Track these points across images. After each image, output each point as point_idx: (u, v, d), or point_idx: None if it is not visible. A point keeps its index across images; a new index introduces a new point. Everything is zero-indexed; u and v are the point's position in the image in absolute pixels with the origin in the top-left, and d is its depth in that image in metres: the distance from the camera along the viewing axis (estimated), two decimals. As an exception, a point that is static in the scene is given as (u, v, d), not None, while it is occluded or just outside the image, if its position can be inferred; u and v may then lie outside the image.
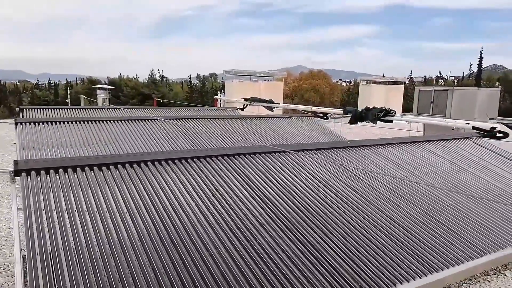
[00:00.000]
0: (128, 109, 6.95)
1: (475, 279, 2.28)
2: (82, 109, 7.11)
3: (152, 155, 2.66)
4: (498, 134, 4.67)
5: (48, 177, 2.26)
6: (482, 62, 32.11)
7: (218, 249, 1.98)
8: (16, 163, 2.27)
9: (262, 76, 11.51)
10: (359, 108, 6.56)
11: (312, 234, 2.21)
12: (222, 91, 11.51)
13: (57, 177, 2.28)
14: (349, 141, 3.49)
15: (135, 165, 2.54)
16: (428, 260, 2.13)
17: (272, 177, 2.73)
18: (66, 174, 2.32)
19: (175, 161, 2.68)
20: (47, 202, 2.07)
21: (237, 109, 9.36)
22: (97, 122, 4.48)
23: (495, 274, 2.36)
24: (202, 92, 41.14)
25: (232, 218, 2.24)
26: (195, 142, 4.29)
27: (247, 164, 2.85)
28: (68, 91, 26.88)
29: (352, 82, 54.05)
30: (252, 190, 2.55)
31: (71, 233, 1.92)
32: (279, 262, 1.95)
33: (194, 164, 2.70)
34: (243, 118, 5.97)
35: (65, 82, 50.01)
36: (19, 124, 4.74)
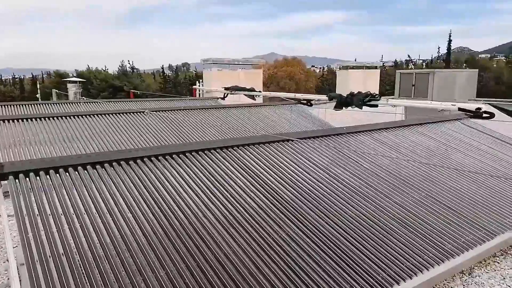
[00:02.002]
0: (106, 102, 6.65)
1: (485, 261, 2.28)
2: (56, 104, 6.75)
3: (148, 150, 2.50)
4: (484, 115, 4.75)
5: (39, 179, 2.07)
6: (452, 44, 32.97)
7: (228, 242, 1.87)
8: (1, 165, 2.06)
9: (241, 64, 11.32)
10: (337, 93, 6.55)
11: (322, 224, 2.13)
12: (201, 80, 11.26)
13: (48, 178, 2.09)
14: (345, 128, 3.43)
15: (131, 162, 2.37)
16: (442, 246, 2.11)
17: (274, 167, 2.63)
18: (58, 174, 2.13)
19: (173, 155, 2.53)
20: (41, 206, 1.90)
21: (217, 99, 9.18)
22: (78, 117, 4.23)
23: (502, 255, 2.37)
24: (176, 83, 40.35)
25: (238, 211, 2.14)
26: (186, 134, 4.13)
27: (246, 155, 2.74)
28: (38, 86, 25.75)
29: (326, 68, 54.43)
30: (255, 181, 2.45)
31: (70, 237, 1.77)
32: (293, 254, 1.88)
33: (193, 158, 2.56)
34: (229, 107, 5.83)
35: (31, 76, 47.84)
36: (-10, 122, 4.42)
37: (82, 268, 1.63)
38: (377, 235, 2.11)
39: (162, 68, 41.39)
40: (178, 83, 40.80)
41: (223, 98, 9.44)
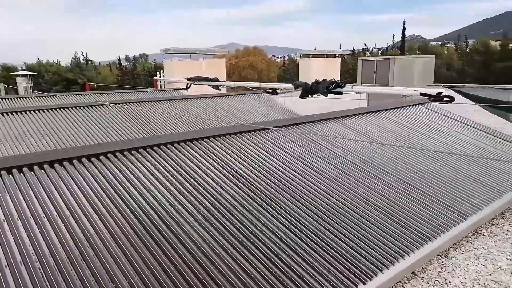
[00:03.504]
0: (61, 96, 6.24)
1: (459, 242, 2.32)
2: (5, 99, 6.24)
3: (111, 145, 2.32)
4: (445, 99, 4.91)
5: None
6: (405, 32, 34.10)
7: (204, 239, 1.77)
8: None
9: (203, 54, 11.04)
10: (303, 81, 6.55)
11: (300, 213, 2.07)
12: (162, 71, 10.88)
13: (0, 180, 1.87)
14: (315, 115, 3.39)
15: (93, 159, 2.19)
16: (419, 229, 2.11)
17: (247, 158, 2.54)
18: (11, 175, 1.92)
19: (140, 150, 2.37)
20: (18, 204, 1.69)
21: (180, 89, 8.92)
22: (31, 112, 3.90)
23: (474, 235, 2.43)
24: (134, 75, 39.02)
25: (211, 203, 2.04)
26: (151, 128, 3.93)
27: (218, 146, 2.62)
28: (-16, 81, 23.97)
29: (287, 57, 54.70)
30: (229, 172, 2.35)
31: (29, 243, 1.59)
32: (274, 247, 1.80)
33: (162, 152, 2.41)
34: (194, 98, 5.64)
35: (-26, 70, 44.37)
36: None
37: (45, 276, 1.47)
38: (356, 222, 2.08)
39: (119, 59, 39.89)
40: (137, 74, 39.46)
41: (185, 89, 9.18)
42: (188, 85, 9.24)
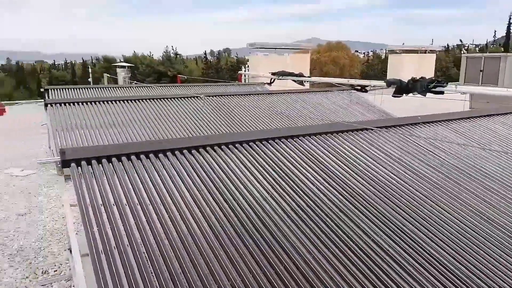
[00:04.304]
0: (158, 87, 6.63)
1: None
2: (108, 88, 6.83)
3: (211, 138, 2.35)
4: None
5: (101, 167, 1.97)
6: (511, 28, 30.42)
7: (302, 242, 1.68)
8: (63, 152, 1.98)
9: (288, 48, 10.97)
10: (397, 79, 6.10)
11: (401, 221, 1.88)
12: (247, 65, 11.07)
13: (111, 166, 1.99)
14: (419, 117, 3.10)
15: (193, 151, 2.23)
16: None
17: (344, 158, 2.39)
18: (121, 162, 2.02)
19: (236, 144, 2.36)
20: (104, 196, 1.79)
21: (264, 84, 8.95)
22: (135, 101, 4.18)
23: None
24: (218, 68, 40.56)
25: (307, 203, 1.95)
26: (240, 121, 3.96)
27: (313, 145, 2.51)
28: (90, 70, 26.84)
29: (371, 53, 52.32)
30: (325, 173, 2.23)
31: (136, 228, 1.65)
32: (372, 254, 1.65)
33: (257, 148, 2.37)
34: (280, 93, 5.59)
35: (81, 61, 49.94)
36: (49, 105, 4.48)
37: (149, 261, 1.51)
38: (465, 235, 1.83)
39: (205, 53, 41.69)
40: (220, 68, 40.99)
41: (269, 84, 9.19)
42: (272, 80, 9.26)
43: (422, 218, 1.95)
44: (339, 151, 2.47)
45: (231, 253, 1.58)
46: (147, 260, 1.51)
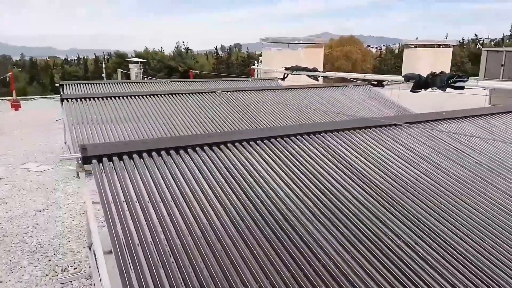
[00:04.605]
0: (172, 82, 6.60)
1: None
2: (122, 83, 6.83)
3: (231, 135, 2.30)
4: None
5: (123, 163, 1.93)
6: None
7: (328, 240, 1.63)
8: (84, 148, 1.95)
9: (301, 43, 10.85)
10: (416, 73, 5.96)
11: (431, 220, 1.82)
12: (260, 60, 10.98)
13: (132, 163, 1.95)
14: (444, 112, 3.00)
15: (214, 147, 2.18)
16: None
17: (367, 154, 2.32)
18: (142, 159, 1.99)
19: (257, 141, 2.30)
20: (127, 193, 1.75)
21: (277, 79, 8.86)
22: (148, 96, 4.15)
23: None
24: (229, 63, 40.49)
25: (330, 200, 1.91)
26: (257, 116, 3.90)
27: (334, 141, 2.44)
28: (103, 66, 27.04)
29: (384, 47, 51.68)
30: (349, 170, 2.17)
31: (158, 225, 1.62)
32: (402, 255, 1.60)
33: (279, 144, 2.32)
34: (295, 88, 5.51)
35: (94, 56, 50.36)
36: (65, 100, 4.49)
37: (173, 258, 1.48)
38: (499, 236, 1.76)
39: (216, 48, 41.64)
40: (231, 63, 40.92)
41: (283, 79, 9.11)
42: (286, 75, 9.16)
43: (448, 215, 1.88)
44: (362, 147, 2.40)
45: (256, 251, 1.54)
46: (170, 257, 1.48)
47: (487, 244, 1.73)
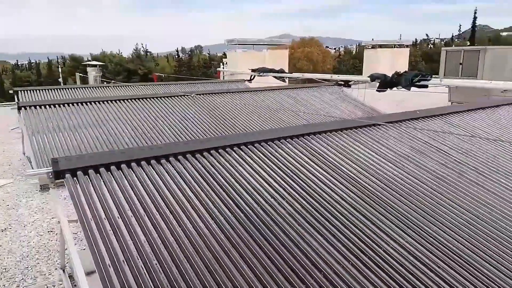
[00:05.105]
0: (138, 86, 6.35)
1: None
2: (81, 88, 6.48)
3: (213, 141, 2.19)
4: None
5: (100, 177, 1.78)
6: (476, 22, 31.55)
7: (322, 244, 1.60)
8: (55, 161, 1.77)
9: (266, 44, 10.85)
10: (381, 73, 6.12)
11: (423, 221, 1.82)
12: (225, 62, 10.86)
13: (110, 175, 1.80)
14: (418, 111, 3.06)
15: (197, 155, 2.07)
16: None
17: (351, 156, 2.30)
18: (120, 171, 1.84)
19: (241, 146, 2.22)
20: (107, 209, 1.61)
21: (244, 81, 8.80)
22: (116, 102, 3.94)
23: None
24: (191, 66, 39.95)
25: (319, 202, 1.88)
26: (231, 120, 3.80)
27: (318, 143, 2.40)
28: (60, 70, 25.73)
29: (342, 48, 53.08)
30: (335, 172, 2.13)
31: (144, 238, 1.51)
32: (388, 248, 1.62)
33: (262, 149, 2.24)
34: (265, 90, 5.47)
35: (47, 61, 47.93)
36: (23, 108, 4.18)
37: (162, 271, 1.38)
38: (491, 236, 1.78)
39: (177, 51, 40.97)
40: (193, 66, 40.36)
41: (250, 80, 9.06)
42: (253, 77, 9.12)
43: (432, 211, 1.90)
44: (345, 148, 2.38)
45: (247, 257, 1.48)
46: (161, 274, 1.38)
47: (473, 238, 1.75)
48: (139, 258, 1.43)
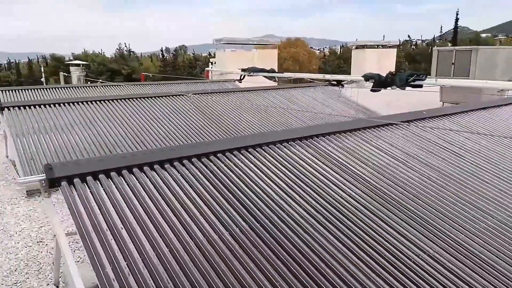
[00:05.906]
0: (127, 85, 6.14)
1: None
2: (65, 88, 6.22)
3: (218, 144, 2.05)
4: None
5: (99, 184, 1.62)
6: (458, 23, 32.14)
7: (336, 247, 1.50)
8: (49, 168, 1.60)
9: (255, 44, 10.73)
10: (375, 73, 6.07)
11: (439, 222, 1.74)
12: (214, 62, 10.68)
13: (111, 182, 1.64)
14: (424, 111, 2.98)
15: (203, 158, 1.92)
16: None
17: (360, 156, 2.20)
18: (122, 177, 1.68)
19: (249, 149, 2.08)
20: (109, 219, 1.46)
21: (234, 81, 8.66)
22: (105, 102, 3.75)
23: None
24: (175, 66, 39.52)
25: (330, 203, 1.78)
26: (227, 120, 3.66)
27: (327, 144, 2.29)
28: (42, 69, 25.04)
29: (326, 49, 53.44)
30: (346, 173, 2.03)
31: (150, 248, 1.37)
32: (402, 247, 1.55)
33: (271, 151, 2.12)
34: (258, 90, 5.34)
35: (27, 60, 46.69)
36: (5, 109, 3.95)
37: (170, 282, 1.27)
38: (481, 220, 1.71)
39: (162, 50, 40.50)
40: (178, 66, 39.91)
41: (239, 80, 8.91)
42: (242, 76, 8.97)
43: (443, 209, 1.81)
44: (353, 148, 2.28)
45: (259, 261, 1.37)
46: (169, 283, 1.25)
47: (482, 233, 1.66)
48: (145, 268, 1.30)
